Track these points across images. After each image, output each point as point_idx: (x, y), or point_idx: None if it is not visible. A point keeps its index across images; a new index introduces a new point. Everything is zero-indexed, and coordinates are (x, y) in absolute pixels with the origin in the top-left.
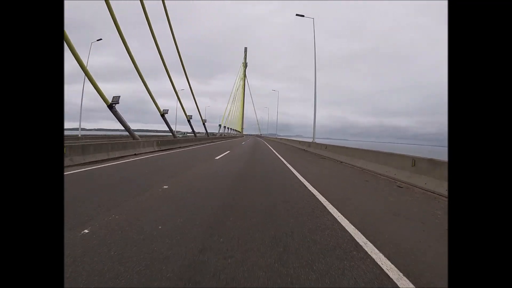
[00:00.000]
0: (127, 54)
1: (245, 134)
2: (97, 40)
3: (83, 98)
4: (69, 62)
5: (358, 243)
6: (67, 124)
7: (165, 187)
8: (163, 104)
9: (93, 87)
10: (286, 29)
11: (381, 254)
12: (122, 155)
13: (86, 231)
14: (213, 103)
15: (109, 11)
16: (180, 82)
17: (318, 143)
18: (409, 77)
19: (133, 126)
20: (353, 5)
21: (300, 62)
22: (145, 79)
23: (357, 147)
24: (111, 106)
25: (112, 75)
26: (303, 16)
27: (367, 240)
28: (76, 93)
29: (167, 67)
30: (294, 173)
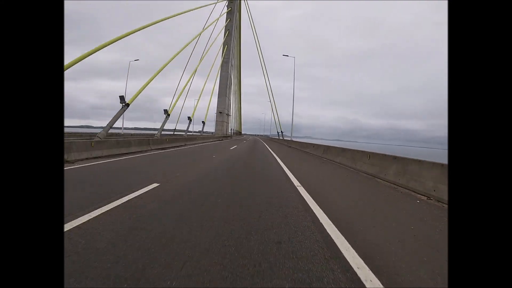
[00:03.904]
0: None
1: (244, 134)
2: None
3: (90, 96)
4: (73, 58)
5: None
6: (75, 122)
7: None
8: (164, 101)
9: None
10: (295, 25)
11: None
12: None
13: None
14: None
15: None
16: (183, 81)
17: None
18: (424, 78)
19: (139, 124)
20: (368, 1)
21: (311, 60)
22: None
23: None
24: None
25: (116, 72)
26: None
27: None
28: (83, 91)
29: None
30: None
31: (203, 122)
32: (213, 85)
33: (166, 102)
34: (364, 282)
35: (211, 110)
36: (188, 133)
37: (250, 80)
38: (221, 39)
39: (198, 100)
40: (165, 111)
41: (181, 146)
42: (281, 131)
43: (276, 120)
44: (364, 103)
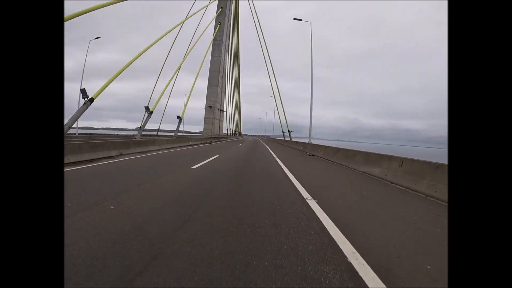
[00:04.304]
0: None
1: (245, 134)
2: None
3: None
4: (75, 59)
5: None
6: (78, 123)
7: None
8: (163, 101)
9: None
10: (297, 25)
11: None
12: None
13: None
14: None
15: None
16: (184, 81)
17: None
18: (425, 78)
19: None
20: (369, 1)
21: (313, 60)
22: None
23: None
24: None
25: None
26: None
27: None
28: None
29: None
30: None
31: (179, 118)
32: (199, 66)
33: (164, 102)
34: None
35: (201, 110)
36: (143, 134)
37: (251, 80)
38: (212, 15)
39: (172, 79)
40: (82, 91)
41: (110, 158)
42: (289, 131)
43: (282, 118)
44: (365, 103)
